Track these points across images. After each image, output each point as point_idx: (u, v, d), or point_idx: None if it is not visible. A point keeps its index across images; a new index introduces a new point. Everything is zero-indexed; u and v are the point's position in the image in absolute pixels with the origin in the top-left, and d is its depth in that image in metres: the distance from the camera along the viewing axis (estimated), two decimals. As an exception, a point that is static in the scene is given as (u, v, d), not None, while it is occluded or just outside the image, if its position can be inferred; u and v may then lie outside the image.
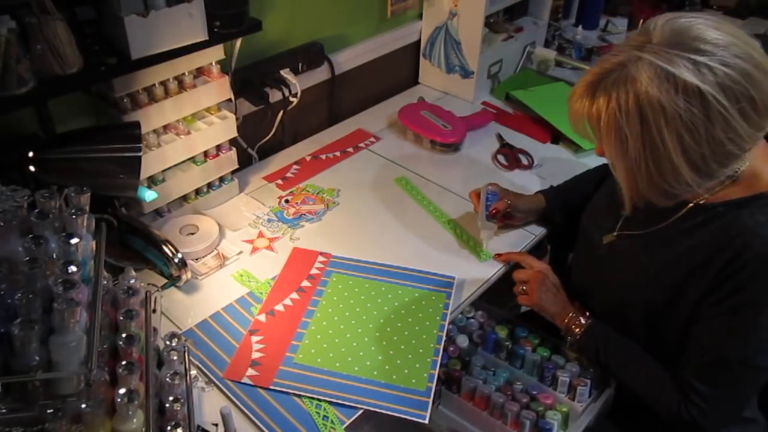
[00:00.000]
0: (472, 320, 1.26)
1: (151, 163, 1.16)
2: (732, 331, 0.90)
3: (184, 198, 1.29)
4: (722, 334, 0.91)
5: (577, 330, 1.08)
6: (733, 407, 0.96)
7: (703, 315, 0.93)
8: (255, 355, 1.02)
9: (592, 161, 1.45)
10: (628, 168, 0.86)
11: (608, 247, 1.06)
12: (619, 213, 1.03)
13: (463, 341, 1.19)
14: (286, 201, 1.37)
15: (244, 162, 1.45)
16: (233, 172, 1.36)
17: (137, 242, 1.10)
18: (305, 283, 1.16)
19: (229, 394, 0.96)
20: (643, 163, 0.83)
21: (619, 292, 1.05)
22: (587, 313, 1.09)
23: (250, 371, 0.99)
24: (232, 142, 1.31)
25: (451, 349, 1.17)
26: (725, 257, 0.88)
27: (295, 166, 1.48)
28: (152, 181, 1.20)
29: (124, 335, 0.77)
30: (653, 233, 0.98)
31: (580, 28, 2.15)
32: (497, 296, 1.54)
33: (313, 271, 1.19)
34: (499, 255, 1.23)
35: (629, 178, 0.88)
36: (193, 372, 0.98)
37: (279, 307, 1.11)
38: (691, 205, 0.91)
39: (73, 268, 0.71)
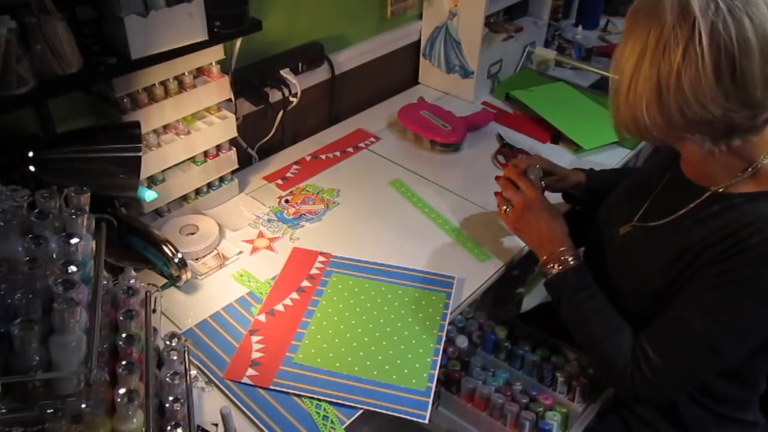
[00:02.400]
0: (471, 321, 1.26)
1: (151, 163, 1.16)
2: (707, 306, 0.89)
3: (184, 198, 1.29)
4: (696, 307, 0.90)
5: (554, 269, 1.06)
6: (675, 385, 0.95)
7: (687, 288, 0.91)
8: (255, 355, 1.02)
9: (592, 161, 1.45)
10: (628, 75, 0.83)
11: (623, 238, 1.05)
12: (637, 206, 1.03)
13: (462, 342, 1.19)
14: (286, 201, 1.37)
15: (244, 162, 1.45)
16: (233, 172, 1.36)
17: (137, 242, 1.10)
18: (305, 283, 1.16)
19: (229, 394, 0.96)
20: (633, 79, 0.82)
21: (628, 283, 1.03)
22: (570, 259, 1.06)
23: (250, 371, 0.99)
24: (232, 142, 1.31)
25: (451, 350, 1.17)
26: (731, 242, 0.86)
27: (295, 166, 1.48)
28: (152, 181, 1.20)
29: (124, 335, 0.77)
30: (669, 223, 0.97)
31: (580, 28, 2.15)
32: (497, 297, 1.54)
33: (313, 271, 1.19)
34: (504, 165, 1.25)
35: (618, 91, 0.86)
36: (193, 372, 0.98)
37: (279, 307, 1.11)
38: (708, 193, 0.90)
39: (73, 268, 0.71)
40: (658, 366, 0.92)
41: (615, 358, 0.96)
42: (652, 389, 0.94)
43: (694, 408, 1.03)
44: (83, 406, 0.67)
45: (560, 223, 1.12)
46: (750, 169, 0.88)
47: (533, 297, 2.08)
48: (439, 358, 1.03)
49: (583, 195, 1.28)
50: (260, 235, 1.28)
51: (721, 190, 0.91)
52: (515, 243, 1.27)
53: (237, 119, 1.29)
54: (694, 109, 0.79)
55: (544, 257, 1.09)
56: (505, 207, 1.17)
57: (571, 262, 1.06)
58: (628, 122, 0.86)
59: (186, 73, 1.16)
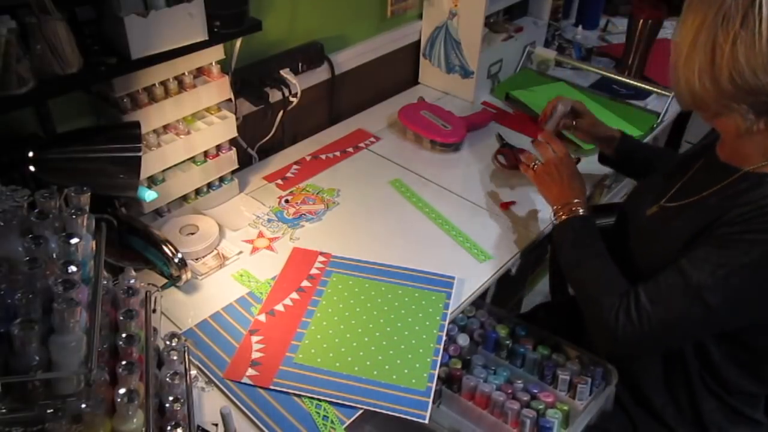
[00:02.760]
0: (473, 319, 1.26)
1: (151, 163, 1.16)
2: (708, 259, 0.89)
3: (184, 198, 1.29)
4: (697, 259, 0.90)
5: (563, 216, 1.14)
6: (658, 335, 0.94)
7: (696, 244, 0.92)
8: (255, 355, 1.02)
9: (592, 161, 1.45)
10: (687, 44, 0.88)
11: (649, 218, 1.06)
12: (667, 190, 1.05)
13: (464, 340, 1.19)
14: (286, 201, 1.37)
15: (244, 162, 1.45)
16: (233, 172, 1.36)
17: (137, 242, 1.10)
18: (305, 283, 1.16)
19: (229, 394, 0.96)
20: (694, 45, 0.86)
21: (649, 261, 1.03)
22: (580, 210, 1.13)
23: (250, 371, 0.99)
24: (232, 142, 1.31)
25: (452, 348, 1.17)
26: (749, 208, 0.88)
27: (295, 166, 1.48)
28: (152, 181, 1.20)
29: (124, 335, 0.77)
30: (695, 201, 0.98)
31: (580, 28, 2.16)
32: (497, 297, 1.54)
33: (313, 271, 1.19)
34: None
35: (676, 60, 0.90)
36: (193, 372, 0.98)
37: (279, 307, 1.11)
38: (740, 173, 0.92)
39: (73, 268, 0.71)
40: (645, 310, 0.92)
41: (603, 300, 0.98)
42: (634, 335, 0.93)
43: (708, 398, 1.04)
44: (83, 406, 0.67)
45: (581, 183, 1.19)
46: None
47: (533, 297, 2.09)
48: (439, 358, 1.03)
49: (613, 154, 1.36)
50: (260, 235, 1.28)
51: (752, 169, 0.92)
52: (515, 243, 1.27)
53: (237, 119, 1.29)
54: (746, 76, 0.83)
55: (557, 206, 1.17)
56: (533, 163, 1.26)
57: (581, 212, 1.13)
58: (685, 94, 0.91)
59: (186, 73, 1.16)
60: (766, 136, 0.90)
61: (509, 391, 1.09)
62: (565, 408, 1.07)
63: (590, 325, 1.01)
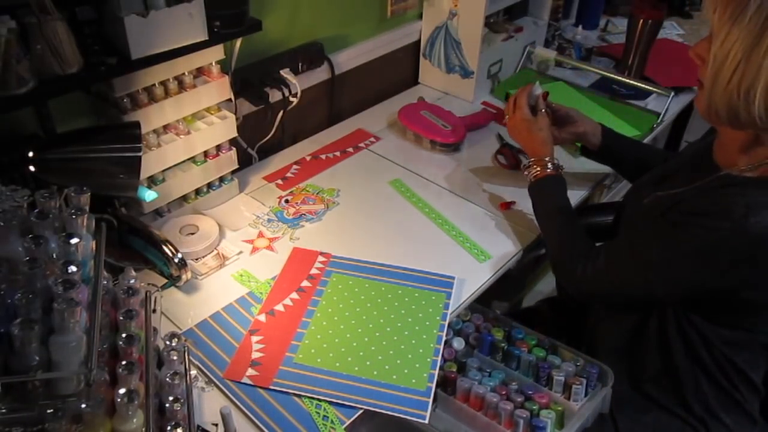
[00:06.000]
0: (468, 323, 1.25)
1: (151, 163, 1.16)
2: (657, 236, 0.98)
3: (184, 198, 1.29)
4: (647, 234, 1.00)
5: (534, 173, 1.26)
6: (600, 291, 1.10)
7: (656, 220, 1.00)
8: (255, 355, 1.02)
9: (591, 161, 1.45)
10: (722, 58, 0.83)
11: (646, 206, 1.09)
12: (663, 179, 1.10)
13: (459, 344, 1.18)
14: (286, 201, 1.37)
15: (244, 162, 1.45)
16: (233, 172, 1.36)
17: (137, 242, 1.10)
18: (305, 283, 1.16)
19: (229, 394, 0.96)
20: (736, 61, 0.82)
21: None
22: (550, 164, 1.24)
23: (250, 371, 0.99)
24: (232, 142, 1.31)
25: (447, 352, 1.17)
26: (706, 204, 0.93)
27: (295, 166, 1.48)
28: (152, 181, 1.20)
29: (124, 335, 0.77)
30: (680, 193, 1.00)
31: (580, 28, 2.15)
32: (496, 297, 1.54)
33: (313, 271, 1.19)
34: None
35: (716, 74, 0.85)
36: (193, 372, 0.98)
37: (279, 307, 1.11)
38: (722, 173, 0.95)
39: (73, 268, 0.71)
40: (599, 269, 1.07)
41: (572, 251, 1.14)
42: (587, 285, 1.10)
43: (701, 376, 1.06)
44: (83, 406, 0.67)
45: (540, 138, 1.28)
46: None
47: (533, 297, 2.09)
48: (440, 358, 1.03)
49: (596, 150, 1.39)
50: (260, 235, 1.28)
51: (733, 171, 0.94)
52: (515, 243, 1.27)
53: (237, 119, 1.30)
54: None
55: (532, 159, 1.28)
56: (506, 115, 1.36)
57: (549, 170, 1.24)
58: (721, 109, 0.87)
59: (186, 73, 1.16)
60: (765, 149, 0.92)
61: (503, 392, 1.09)
62: (559, 408, 1.06)
63: (556, 268, 1.17)
